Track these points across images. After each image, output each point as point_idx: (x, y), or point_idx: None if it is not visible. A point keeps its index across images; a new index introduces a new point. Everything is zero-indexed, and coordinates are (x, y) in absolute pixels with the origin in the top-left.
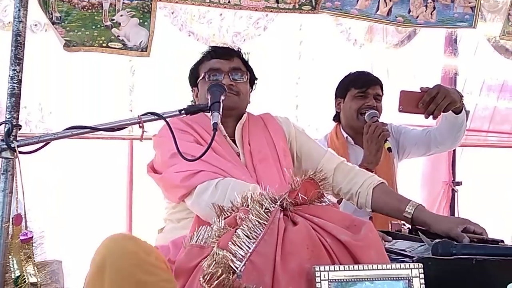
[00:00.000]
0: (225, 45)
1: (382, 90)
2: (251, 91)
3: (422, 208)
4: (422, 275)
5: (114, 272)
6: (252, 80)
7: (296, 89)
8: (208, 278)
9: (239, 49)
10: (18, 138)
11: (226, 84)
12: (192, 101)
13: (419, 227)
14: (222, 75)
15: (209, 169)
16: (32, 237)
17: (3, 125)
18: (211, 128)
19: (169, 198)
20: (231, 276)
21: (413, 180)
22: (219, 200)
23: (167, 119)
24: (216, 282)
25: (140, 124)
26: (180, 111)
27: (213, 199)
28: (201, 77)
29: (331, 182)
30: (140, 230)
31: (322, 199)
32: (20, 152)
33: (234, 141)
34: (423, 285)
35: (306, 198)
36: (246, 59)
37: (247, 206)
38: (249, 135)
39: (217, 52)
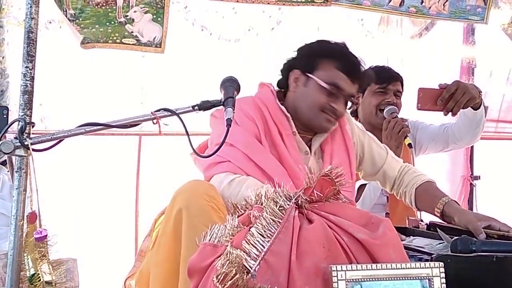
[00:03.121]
0: (355, 60)
1: (402, 87)
2: None
3: (451, 203)
4: (443, 274)
5: (193, 211)
6: None
7: None
8: (221, 278)
9: (364, 72)
10: (31, 136)
11: (338, 111)
12: (279, 80)
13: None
14: (341, 98)
15: (238, 162)
16: (46, 235)
17: (16, 122)
18: (282, 120)
19: None
20: (245, 276)
21: (433, 175)
22: (230, 197)
23: (181, 115)
24: (230, 282)
25: (155, 121)
26: (193, 107)
27: (223, 196)
28: (318, 79)
29: (391, 185)
30: (148, 226)
31: (338, 196)
32: (33, 150)
33: (306, 142)
34: (444, 285)
35: (321, 195)
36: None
37: (261, 204)
38: (331, 140)
39: (352, 70)
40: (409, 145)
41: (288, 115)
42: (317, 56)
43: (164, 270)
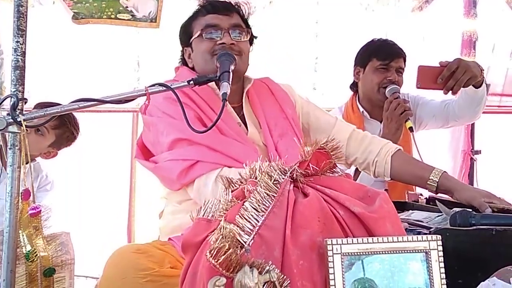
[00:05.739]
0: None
1: (405, 63)
2: (250, 51)
3: (446, 175)
4: (440, 247)
5: None
6: (252, 39)
7: (312, 55)
8: (214, 253)
9: (237, 4)
10: (24, 112)
11: (227, 43)
12: (179, 62)
13: (442, 195)
14: (222, 32)
15: (208, 158)
16: (40, 210)
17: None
18: (214, 98)
19: (166, 187)
20: (239, 251)
21: (434, 150)
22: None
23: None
24: (223, 257)
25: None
26: (188, 81)
27: (215, 196)
28: (195, 35)
29: (344, 153)
30: (141, 212)
31: (334, 169)
32: (26, 126)
33: (237, 112)
34: (441, 258)
35: (317, 168)
36: (245, 14)
37: (256, 178)
38: (261, 105)
39: (214, 7)
40: (410, 128)
41: (214, 85)
42: (188, 23)
43: None
